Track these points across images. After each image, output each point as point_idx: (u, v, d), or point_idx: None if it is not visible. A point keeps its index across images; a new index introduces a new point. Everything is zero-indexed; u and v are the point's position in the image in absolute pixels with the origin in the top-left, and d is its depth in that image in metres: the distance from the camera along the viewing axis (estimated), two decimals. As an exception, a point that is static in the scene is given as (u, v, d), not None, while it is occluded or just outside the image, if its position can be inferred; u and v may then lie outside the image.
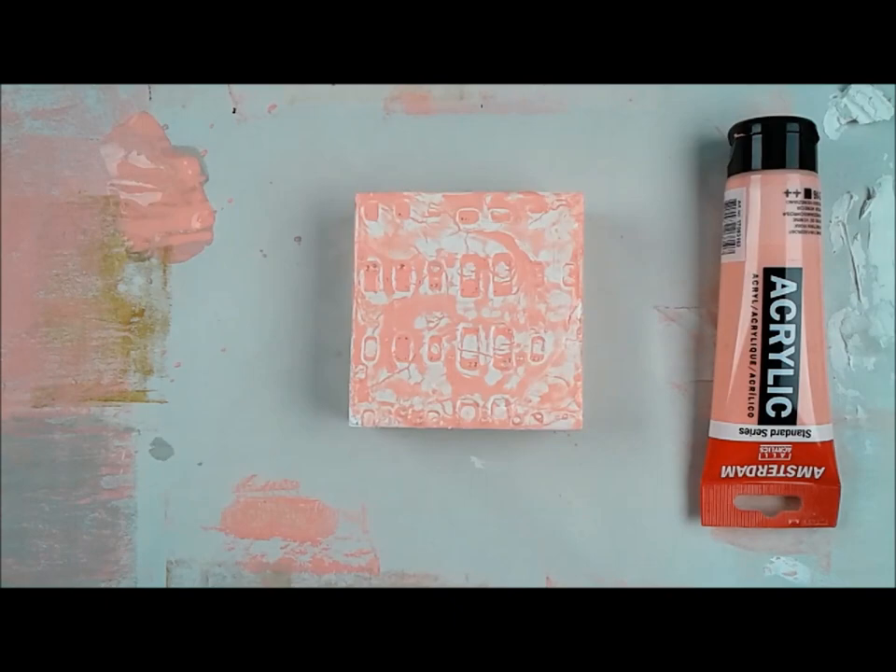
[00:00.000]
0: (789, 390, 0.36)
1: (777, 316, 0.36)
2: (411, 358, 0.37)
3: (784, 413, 0.36)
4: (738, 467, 0.37)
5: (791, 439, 0.36)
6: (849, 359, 0.39)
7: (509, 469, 0.40)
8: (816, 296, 0.36)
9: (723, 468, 0.37)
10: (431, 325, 0.37)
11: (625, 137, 0.40)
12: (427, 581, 0.40)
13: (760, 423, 0.36)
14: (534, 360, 0.36)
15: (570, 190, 0.37)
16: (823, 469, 0.37)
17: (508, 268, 0.37)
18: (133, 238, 0.42)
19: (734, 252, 0.37)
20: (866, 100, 0.39)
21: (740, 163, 0.37)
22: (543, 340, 0.36)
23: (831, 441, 0.37)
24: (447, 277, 0.37)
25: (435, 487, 0.40)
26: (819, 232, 0.36)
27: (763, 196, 0.36)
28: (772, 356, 0.36)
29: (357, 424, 0.37)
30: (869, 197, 0.39)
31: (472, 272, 0.37)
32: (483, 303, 0.37)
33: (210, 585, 0.41)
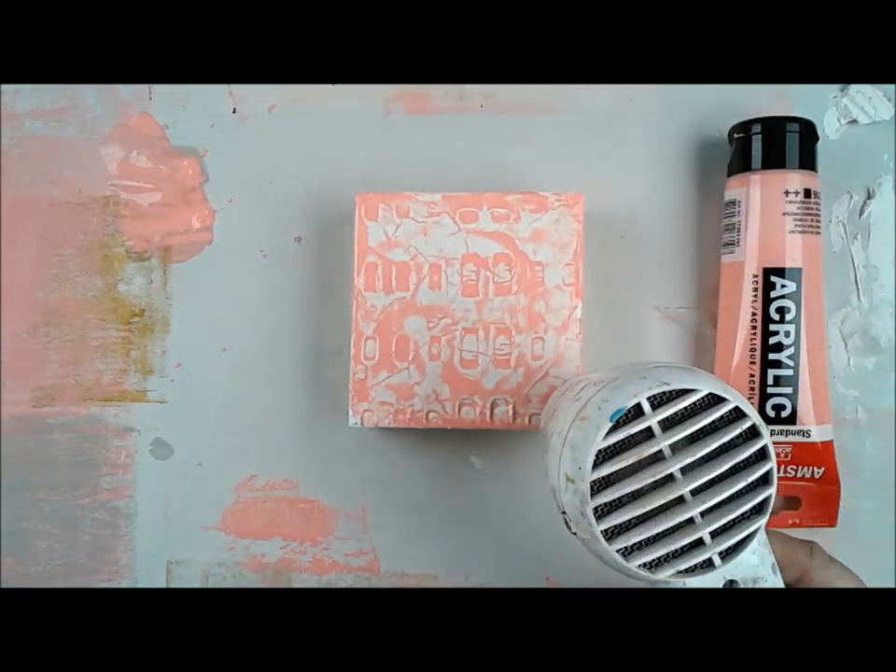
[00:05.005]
0: (788, 390, 0.36)
1: (776, 316, 0.36)
2: (410, 359, 0.37)
3: (784, 413, 0.36)
4: (738, 467, 0.37)
5: (790, 439, 0.36)
6: (849, 359, 0.39)
7: (509, 469, 0.40)
8: (816, 296, 0.36)
9: (723, 468, 0.37)
10: (431, 325, 0.37)
11: (625, 137, 0.40)
12: (427, 581, 0.40)
13: (760, 423, 0.36)
14: (534, 360, 0.36)
15: (570, 190, 0.37)
16: (823, 469, 0.37)
17: (508, 268, 0.37)
18: (133, 238, 0.42)
19: (734, 252, 0.37)
20: (866, 100, 0.39)
21: (740, 163, 0.37)
22: (543, 340, 0.36)
23: (831, 441, 0.37)
24: (447, 277, 0.37)
25: (435, 487, 0.40)
26: (818, 232, 0.36)
27: (762, 196, 0.36)
28: (772, 356, 0.36)
29: (356, 424, 0.37)
30: (869, 197, 0.39)
31: (472, 272, 0.37)
32: (483, 304, 0.37)
33: (210, 585, 0.41)
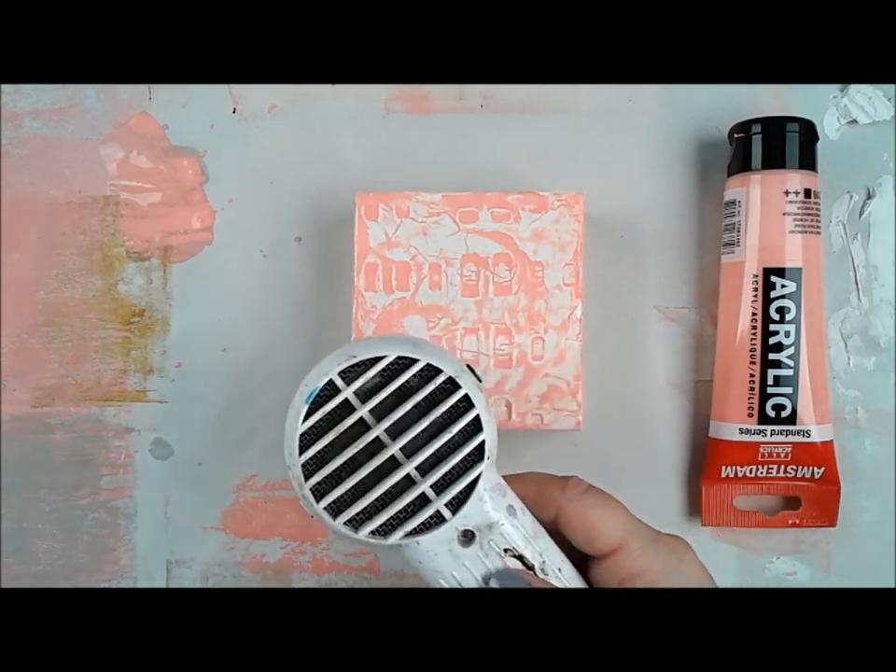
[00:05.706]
0: (788, 390, 0.36)
1: (776, 316, 0.36)
2: (411, 358, 0.37)
3: (784, 413, 0.36)
4: (738, 467, 0.37)
5: (790, 439, 0.36)
6: (849, 359, 0.39)
7: (508, 469, 0.40)
8: (816, 296, 0.37)
9: (723, 468, 0.37)
10: (431, 325, 0.37)
11: (625, 137, 0.40)
12: (427, 580, 0.40)
13: (760, 423, 0.36)
14: (534, 360, 0.36)
15: (570, 190, 0.37)
16: (823, 469, 0.37)
17: (508, 268, 0.37)
18: (133, 238, 0.42)
19: (733, 252, 0.37)
20: (866, 100, 0.39)
21: (740, 163, 0.37)
22: (543, 340, 0.36)
23: (831, 441, 0.37)
24: (447, 277, 0.37)
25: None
26: (818, 232, 0.37)
27: (762, 196, 0.36)
28: (772, 356, 0.36)
29: (356, 424, 0.37)
30: (869, 197, 0.39)
31: (472, 272, 0.37)
32: (483, 304, 0.37)
33: (210, 585, 0.41)
